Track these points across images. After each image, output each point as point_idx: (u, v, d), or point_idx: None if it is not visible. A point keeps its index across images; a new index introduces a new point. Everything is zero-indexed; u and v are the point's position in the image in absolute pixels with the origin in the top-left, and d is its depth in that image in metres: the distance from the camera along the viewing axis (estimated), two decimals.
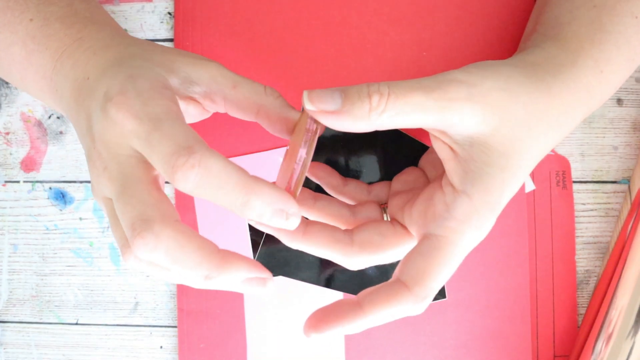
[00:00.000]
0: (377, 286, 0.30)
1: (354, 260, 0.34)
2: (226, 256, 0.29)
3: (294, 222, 0.28)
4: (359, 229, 0.34)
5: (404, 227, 0.34)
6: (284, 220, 0.28)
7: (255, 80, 0.34)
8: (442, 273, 0.30)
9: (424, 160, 0.38)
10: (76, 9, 0.35)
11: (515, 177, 0.30)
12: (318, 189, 0.40)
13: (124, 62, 0.31)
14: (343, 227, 0.36)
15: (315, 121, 0.30)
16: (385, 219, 0.36)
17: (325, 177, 0.38)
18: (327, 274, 0.42)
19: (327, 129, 0.41)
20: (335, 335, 0.30)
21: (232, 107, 0.33)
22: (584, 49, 0.32)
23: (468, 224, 0.30)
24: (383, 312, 0.30)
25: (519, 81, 0.30)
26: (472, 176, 0.29)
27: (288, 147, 0.34)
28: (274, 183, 0.32)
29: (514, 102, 0.29)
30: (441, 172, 0.34)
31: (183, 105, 0.33)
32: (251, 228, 0.42)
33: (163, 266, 0.29)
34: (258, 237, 0.42)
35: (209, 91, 0.32)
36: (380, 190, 0.38)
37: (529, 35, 0.36)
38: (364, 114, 0.28)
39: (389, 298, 0.30)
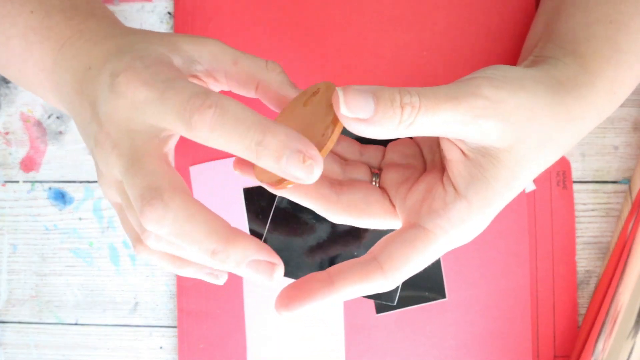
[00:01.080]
0: (350, 262, 0.30)
1: (335, 217, 0.34)
2: (236, 231, 0.27)
3: (312, 170, 0.26)
4: (348, 189, 0.34)
5: (391, 202, 0.34)
6: (301, 163, 0.26)
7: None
8: (420, 264, 0.30)
9: (421, 137, 0.37)
10: (77, 2, 0.35)
11: (515, 193, 0.30)
12: None
13: (127, 48, 0.31)
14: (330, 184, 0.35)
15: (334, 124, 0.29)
16: (374, 184, 0.35)
17: None
18: None
19: None
20: (306, 310, 0.30)
21: (233, 83, 0.33)
22: (602, 70, 0.32)
23: (459, 228, 0.30)
24: (354, 289, 0.30)
25: (543, 102, 0.30)
26: (477, 184, 0.30)
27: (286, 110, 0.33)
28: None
29: (534, 123, 0.29)
30: (438, 160, 0.34)
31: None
32: (251, 229, 0.42)
33: (171, 241, 0.28)
34: (258, 238, 0.42)
35: (211, 69, 0.32)
36: (373, 154, 0.37)
37: (541, 39, 0.36)
38: (393, 126, 0.27)
39: (362, 276, 0.30)
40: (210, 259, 0.27)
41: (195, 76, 0.33)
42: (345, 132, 0.39)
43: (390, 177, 0.35)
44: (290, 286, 0.30)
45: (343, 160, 0.36)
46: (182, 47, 0.32)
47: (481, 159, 0.29)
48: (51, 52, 0.34)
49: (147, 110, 0.28)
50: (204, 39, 0.32)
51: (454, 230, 0.30)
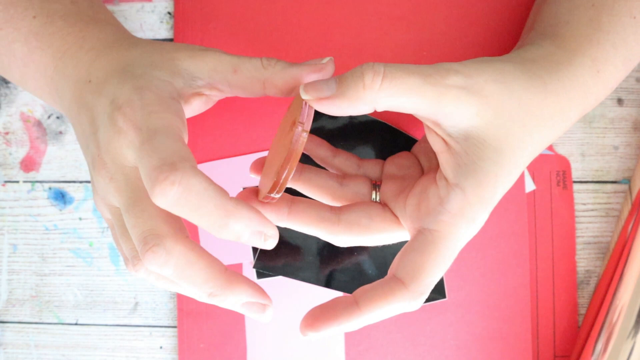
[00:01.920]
0: (374, 283, 0.30)
1: (339, 239, 0.34)
2: (231, 277, 0.29)
3: (272, 243, 0.29)
4: (347, 209, 0.34)
5: (394, 214, 0.34)
6: (262, 241, 0.29)
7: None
8: (437, 268, 0.30)
9: (417, 148, 0.37)
10: (79, 7, 0.35)
11: (509, 173, 0.30)
12: (306, 159, 0.39)
13: (128, 70, 0.31)
14: (330, 200, 0.35)
15: (301, 122, 0.29)
16: (373, 197, 0.35)
17: (314, 148, 0.37)
18: (327, 274, 0.42)
19: (326, 121, 0.40)
20: (332, 334, 0.30)
21: (238, 90, 0.33)
22: (581, 48, 0.32)
23: (461, 218, 0.30)
24: (380, 310, 0.30)
25: (515, 75, 0.30)
26: (465, 170, 0.29)
27: (274, 137, 0.34)
28: (256, 188, 0.32)
29: (509, 96, 0.29)
30: (435, 164, 0.34)
31: (187, 104, 0.33)
32: None
33: (170, 280, 0.30)
34: None
35: (212, 82, 0.33)
36: (371, 167, 0.37)
37: (526, 33, 0.36)
38: (358, 93, 0.28)
39: (386, 295, 0.30)
40: (208, 298, 0.29)
41: (198, 93, 0.33)
42: (344, 147, 0.39)
43: (388, 190, 0.35)
44: (316, 308, 0.31)
45: (340, 175, 0.36)
46: (181, 66, 0.32)
47: (464, 144, 0.29)
48: (52, 60, 0.34)
49: (132, 154, 0.28)
50: (203, 52, 0.32)
51: (457, 221, 0.30)
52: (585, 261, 0.42)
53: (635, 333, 0.38)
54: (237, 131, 0.42)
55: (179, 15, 0.42)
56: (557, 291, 0.42)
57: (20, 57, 0.35)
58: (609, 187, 0.42)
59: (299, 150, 0.29)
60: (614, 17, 0.33)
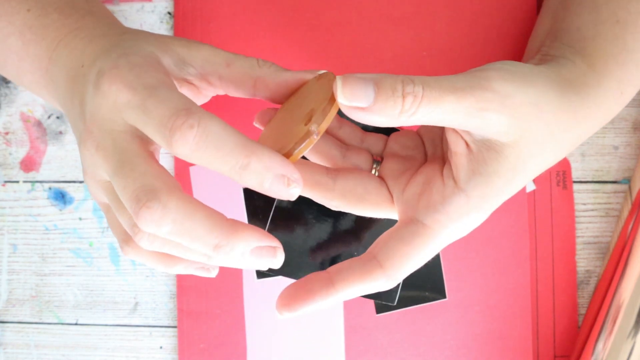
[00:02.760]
0: (349, 261, 0.30)
1: (331, 204, 0.33)
2: (235, 224, 0.28)
3: (296, 191, 0.27)
4: (344, 175, 0.33)
5: (389, 192, 0.34)
6: (284, 187, 0.27)
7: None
8: (420, 260, 0.30)
9: (424, 130, 0.37)
10: (75, 1, 0.35)
11: (515, 189, 0.30)
12: None
13: (117, 45, 0.30)
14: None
15: (317, 125, 0.28)
16: (373, 171, 0.35)
17: None
18: None
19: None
20: (307, 311, 0.30)
21: (229, 85, 0.33)
22: (609, 70, 0.32)
23: (457, 222, 0.30)
24: (355, 289, 0.30)
25: (550, 99, 0.29)
26: (477, 178, 0.29)
27: (285, 104, 0.33)
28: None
29: (540, 119, 0.29)
30: (440, 153, 0.34)
31: (178, 88, 0.32)
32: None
33: (170, 240, 0.28)
34: None
35: (204, 72, 0.32)
36: (374, 142, 0.37)
37: (548, 37, 0.36)
38: (394, 115, 0.27)
39: (362, 275, 0.30)
40: (214, 253, 0.27)
41: (187, 81, 0.33)
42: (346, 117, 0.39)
43: (389, 167, 0.34)
44: (290, 286, 0.30)
45: (344, 145, 0.36)
46: (173, 48, 0.31)
47: (485, 153, 0.29)
48: (47, 51, 0.34)
49: (129, 114, 0.27)
50: (197, 43, 0.32)
51: (452, 225, 0.30)
52: (585, 261, 0.42)
53: (635, 333, 0.38)
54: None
55: (179, 15, 0.42)
56: (557, 291, 0.42)
57: (16, 51, 0.35)
58: (609, 187, 0.42)
59: (309, 147, 0.28)
60: (637, 34, 0.33)
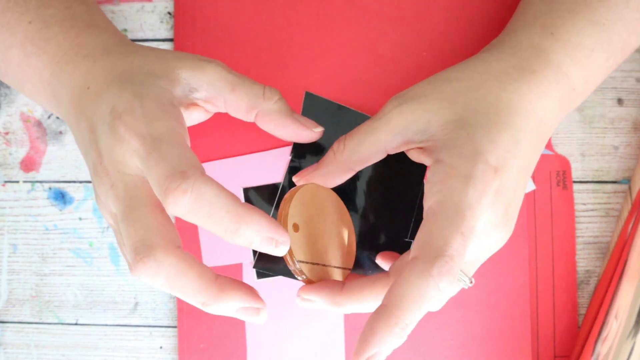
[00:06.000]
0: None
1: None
2: (223, 285, 0.29)
3: (283, 250, 0.29)
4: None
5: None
6: (273, 247, 0.29)
7: (256, 80, 0.34)
8: (447, 230, 0.29)
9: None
10: (75, 11, 0.35)
11: (515, 134, 0.30)
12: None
13: (127, 78, 0.31)
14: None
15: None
16: None
17: None
18: None
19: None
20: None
21: (232, 109, 0.34)
22: (531, 20, 0.34)
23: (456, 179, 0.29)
24: (414, 304, 0.28)
25: (457, 68, 0.33)
26: (444, 149, 0.30)
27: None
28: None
29: (448, 82, 0.32)
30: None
31: (187, 112, 0.33)
32: None
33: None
34: None
35: (209, 96, 0.33)
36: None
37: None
38: (330, 159, 0.34)
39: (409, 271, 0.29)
40: (202, 307, 0.30)
41: (195, 104, 0.33)
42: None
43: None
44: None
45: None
46: (181, 76, 0.32)
47: (432, 140, 0.31)
48: (49, 65, 0.34)
49: (137, 162, 0.29)
50: (204, 64, 0.32)
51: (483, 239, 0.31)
52: (585, 261, 0.42)
53: (636, 333, 0.38)
54: (237, 131, 0.42)
55: (179, 15, 0.42)
56: (557, 291, 0.42)
57: (17, 63, 0.35)
58: (609, 187, 0.42)
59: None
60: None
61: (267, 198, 0.42)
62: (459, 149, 0.29)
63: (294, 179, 0.35)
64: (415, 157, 0.34)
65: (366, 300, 0.33)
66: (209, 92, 0.32)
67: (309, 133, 0.35)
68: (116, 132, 0.29)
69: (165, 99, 0.30)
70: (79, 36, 0.34)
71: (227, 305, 0.30)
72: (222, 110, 0.34)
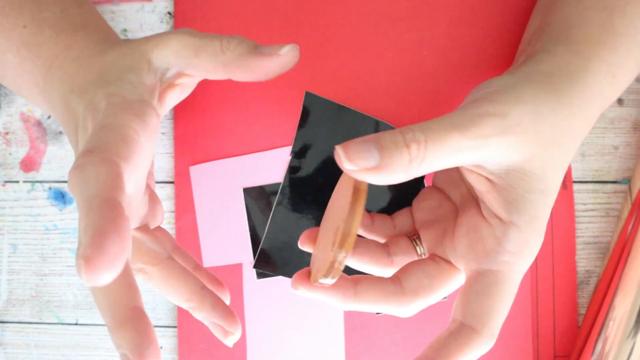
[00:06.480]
0: (442, 337, 0.30)
1: (409, 309, 0.32)
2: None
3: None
4: (405, 275, 0.33)
5: (447, 261, 0.33)
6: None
7: (250, 82, 0.33)
8: (506, 308, 0.30)
9: (440, 180, 0.37)
10: (69, 13, 0.35)
11: (553, 196, 0.30)
12: None
13: (104, 77, 0.31)
14: (379, 270, 0.35)
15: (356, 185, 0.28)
16: (418, 252, 0.35)
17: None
18: None
19: (326, 134, 0.40)
20: None
21: (204, 73, 0.32)
22: (596, 53, 0.32)
23: (521, 255, 0.29)
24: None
25: (543, 99, 0.29)
26: (516, 205, 0.29)
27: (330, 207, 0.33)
28: (308, 269, 0.33)
29: (544, 124, 0.29)
30: (467, 196, 0.34)
31: (169, 94, 0.34)
32: (251, 229, 0.42)
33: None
34: (258, 238, 0.42)
35: (179, 69, 0.32)
36: (403, 220, 0.37)
37: (535, 34, 0.36)
38: (404, 166, 0.27)
39: (463, 347, 0.29)
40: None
41: (171, 85, 0.33)
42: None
43: (430, 237, 0.34)
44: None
45: (382, 244, 0.36)
46: (151, 61, 0.31)
47: (508, 179, 0.29)
48: (42, 70, 0.34)
49: None
50: (167, 36, 0.32)
51: (517, 259, 0.29)
52: (585, 261, 0.42)
53: (636, 333, 0.38)
54: (237, 131, 0.42)
55: (179, 15, 0.42)
56: (557, 291, 0.42)
57: (13, 67, 0.35)
58: (609, 187, 0.42)
59: (338, 275, 0.29)
60: (626, 20, 0.32)
61: (267, 198, 0.42)
62: (526, 216, 0.29)
63: (346, 166, 0.27)
64: (474, 180, 0.31)
65: (377, 309, 0.32)
66: (179, 65, 0.32)
67: (278, 60, 0.31)
68: (85, 130, 0.29)
69: (134, 95, 0.30)
70: (69, 39, 0.34)
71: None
72: (199, 77, 0.33)
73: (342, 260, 0.29)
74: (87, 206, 0.23)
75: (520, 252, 0.29)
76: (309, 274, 0.32)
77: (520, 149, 0.28)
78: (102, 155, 0.25)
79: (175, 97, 0.35)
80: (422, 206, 0.36)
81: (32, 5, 0.35)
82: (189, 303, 0.35)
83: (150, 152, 0.31)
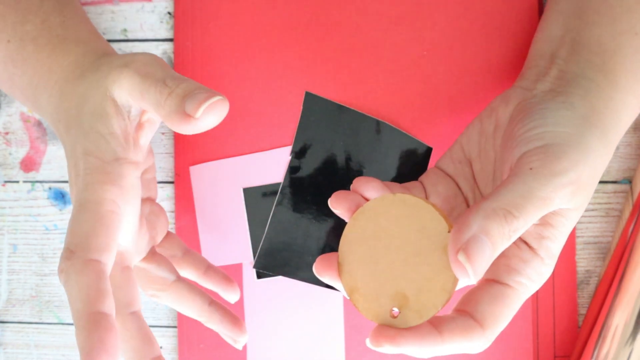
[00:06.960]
0: (453, 316, 0.30)
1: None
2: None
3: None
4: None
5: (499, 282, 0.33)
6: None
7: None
8: (509, 318, 0.31)
9: (451, 168, 0.36)
10: (50, 25, 0.35)
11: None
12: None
13: (77, 123, 0.31)
14: None
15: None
16: None
17: None
18: None
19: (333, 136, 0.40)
20: (406, 352, 0.29)
21: (155, 114, 0.31)
22: (630, 87, 0.33)
23: (533, 282, 0.31)
24: (457, 345, 0.29)
25: (595, 147, 0.30)
26: (547, 243, 0.30)
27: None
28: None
29: (595, 176, 0.31)
30: (479, 195, 0.35)
31: (138, 136, 0.32)
32: (251, 229, 0.42)
33: None
34: (258, 238, 0.42)
35: (138, 107, 0.31)
36: (417, 192, 0.36)
37: (562, 48, 0.34)
38: (504, 240, 0.27)
39: (464, 333, 0.29)
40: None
41: (139, 125, 0.32)
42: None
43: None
44: (395, 330, 0.29)
45: None
46: (114, 97, 0.31)
47: (549, 218, 0.30)
48: (30, 86, 0.34)
49: None
50: (120, 72, 0.31)
51: (530, 284, 0.31)
52: (585, 261, 0.42)
53: (633, 340, 0.38)
54: (237, 131, 0.42)
55: (179, 15, 0.42)
56: (557, 291, 0.42)
57: (5, 80, 0.36)
58: (609, 187, 0.42)
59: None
60: None
61: (267, 198, 0.42)
62: (552, 252, 0.31)
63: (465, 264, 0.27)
64: None
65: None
66: (136, 102, 0.31)
67: (196, 123, 0.29)
68: (73, 172, 0.31)
69: (108, 153, 0.30)
70: (50, 56, 0.34)
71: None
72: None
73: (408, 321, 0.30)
74: (76, 322, 0.27)
75: (538, 280, 0.31)
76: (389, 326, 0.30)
77: (574, 200, 0.29)
78: (83, 256, 0.28)
79: (147, 135, 0.33)
80: (438, 190, 0.36)
81: (14, 17, 0.34)
82: (200, 318, 0.38)
83: (136, 207, 0.32)
